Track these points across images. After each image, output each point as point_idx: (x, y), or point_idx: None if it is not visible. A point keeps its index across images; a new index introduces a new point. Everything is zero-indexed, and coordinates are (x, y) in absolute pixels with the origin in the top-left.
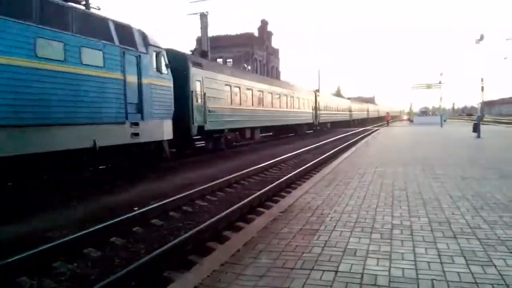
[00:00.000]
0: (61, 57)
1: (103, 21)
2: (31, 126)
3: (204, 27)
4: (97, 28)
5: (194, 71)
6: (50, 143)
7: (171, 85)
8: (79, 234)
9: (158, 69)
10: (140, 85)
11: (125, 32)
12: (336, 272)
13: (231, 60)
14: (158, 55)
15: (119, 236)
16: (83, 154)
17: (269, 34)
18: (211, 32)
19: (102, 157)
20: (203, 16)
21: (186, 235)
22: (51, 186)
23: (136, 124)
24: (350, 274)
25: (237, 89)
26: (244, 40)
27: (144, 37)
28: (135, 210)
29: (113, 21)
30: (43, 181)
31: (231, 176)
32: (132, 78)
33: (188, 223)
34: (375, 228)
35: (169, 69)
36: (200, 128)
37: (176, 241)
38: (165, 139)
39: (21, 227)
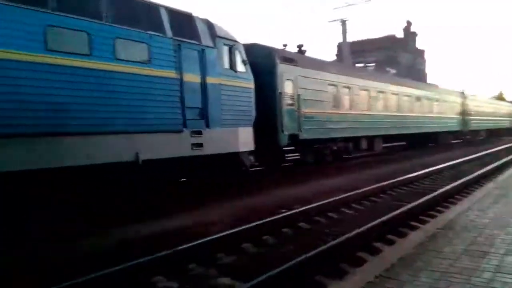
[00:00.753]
0: (84, 51)
1: (151, 8)
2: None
3: (344, 32)
4: (141, 16)
5: (283, 68)
6: (67, 157)
7: (251, 85)
8: (238, 229)
9: (232, 67)
10: (204, 85)
11: (182, 22)
12: None
13: (373, 64)
14: (231, 49)
15: (270, 235)
16: (119, 168)
17: (413, 34)
18: (356, 37)
19: (150, 172)
20: (343, 23)
21: (336, 241)
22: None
23: (199, 132)
24: None
25: (346, 90)
26: (386, 42)
27: (210, 27)
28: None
29: (166, 8)
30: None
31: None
32: (192, 77)
33: (334, 229)
34: None
35: (248, 67)
36: (293, 137)
37: (326, 246)
38: (242, 150)
39: (168, 224)
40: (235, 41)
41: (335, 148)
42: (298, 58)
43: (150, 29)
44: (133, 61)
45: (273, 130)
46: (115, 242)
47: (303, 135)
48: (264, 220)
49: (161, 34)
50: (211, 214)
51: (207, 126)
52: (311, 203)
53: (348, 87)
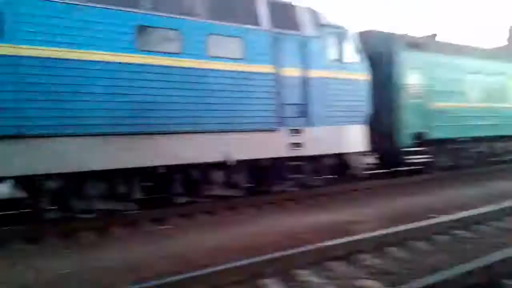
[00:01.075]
0: (175, 49)
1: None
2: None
3: None
4: (236, 9)
5: (406, 56)
6: (158, 156)
7: (365, 78)
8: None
9: (340, 57)
10: (305, 79)
11: (280, 12)
12: None
13: None
14: (340, 38)
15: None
16: (205, 169)
17: None
18: None
19: (243, 173)
20: None
21: None
22: None
23: (298, 131)
24: None
25: (495, 78)
26: None
27: (313, 16)
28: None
29: None
30: None
31: None
32: (290, 71)
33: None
34: None
35: (362, 57)
36: (419, 136)
37: None
38: (353, 151)
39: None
40: (344, 29)
41: (477, 150)
42: (426, 42)
43: (245, 22)
44: (226, 58)
45: (391, 128)
46: None
47: (434, 134)
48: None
49: (257, 27)
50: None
51: (309, 124)
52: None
53: (502, 74)
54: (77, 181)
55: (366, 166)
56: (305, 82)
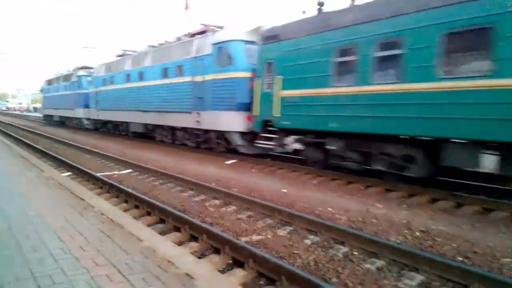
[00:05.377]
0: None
1: None
2: None
3: None
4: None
5: (261, 49)
6: None
7: (244, 75)
8: None
9: (222, 63)
10: (203, 82)
11: (196, 44)
12: None
13: None
14: (223, 49)
15: None
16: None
17: None
18: None
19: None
20: None
21: None
22: None
23: (198, 114)
24: None
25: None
26: None
27: (208, 39)
28: None
29: None
30: None
31: None
32: (197, 78)
33: None
34: None
35: (240, 59)
36: (270, 124)
37: None
38: (229, 130)
39: None
40: (227, 41)
41: None
42: (280, 33)
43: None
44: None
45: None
46: None
47: (280, 123)
48: None
49: (188, 57)
50: None
51: (204, 109)
52: None
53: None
54: None
55: (243, 143)
56: (203, 83)
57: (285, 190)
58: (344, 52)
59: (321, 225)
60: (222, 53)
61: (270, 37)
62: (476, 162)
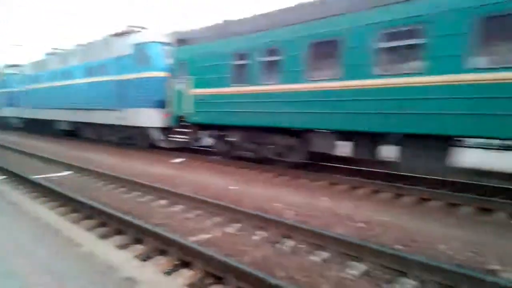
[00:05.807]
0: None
1: None
2: None
3: None
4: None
5: (175, 51)
6: None
7: (162, 75)
8: None
9: (140, 63)
10: (121, 81)
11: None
12: None
13: None
14: (141, 49)
15: None
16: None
17: None
18: None
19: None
20: None
21: None
22: None
23: (121, 111)
24: None
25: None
26: None
27: (130, 40)
28: None
29: None
30: None
31: None
32: (120, 77)
33: None
34: None
35: (158, 59)
36: (183, 119)
37: None
38: (148, 126)
39: None
40: (144, 43)
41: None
42: (193, 37)
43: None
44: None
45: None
46: None
47: (193, 118)
48: None
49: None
50: None
51: (127, 106)
52: None
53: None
54: None
55: (163, 138)
56: (125, 82)
57: (232, 187)
58: (239, 57)
59: (269, 220)
60: (141, 54)
61: (184, 40)
62: (333, 148)
